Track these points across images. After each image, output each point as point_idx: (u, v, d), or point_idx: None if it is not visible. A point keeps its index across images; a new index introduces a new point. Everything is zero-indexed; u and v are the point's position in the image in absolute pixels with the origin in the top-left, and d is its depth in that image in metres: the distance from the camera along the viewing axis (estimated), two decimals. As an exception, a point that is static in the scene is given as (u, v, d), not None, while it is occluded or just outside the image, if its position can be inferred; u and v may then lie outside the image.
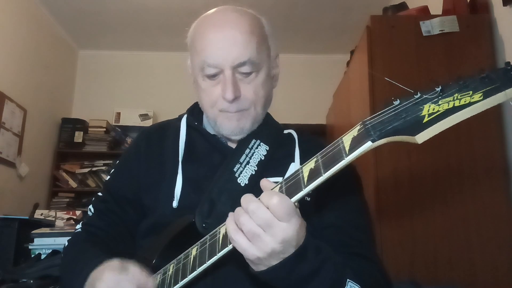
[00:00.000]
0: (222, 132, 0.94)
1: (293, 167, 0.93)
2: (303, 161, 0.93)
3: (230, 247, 0.70)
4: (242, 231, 0.66)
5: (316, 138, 1.05)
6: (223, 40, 0.87)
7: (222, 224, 0.74)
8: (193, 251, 0.77)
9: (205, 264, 0.72)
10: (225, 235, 0.71)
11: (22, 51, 3.63)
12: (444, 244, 1.77)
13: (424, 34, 1.97)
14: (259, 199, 0.67)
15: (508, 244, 1.75)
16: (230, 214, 0.70)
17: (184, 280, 0.76)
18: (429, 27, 1.97)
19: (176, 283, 0.77)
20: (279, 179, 0.92)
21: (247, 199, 0.67)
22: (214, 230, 0.75)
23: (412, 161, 1.84)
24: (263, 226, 0.64)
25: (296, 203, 0.66)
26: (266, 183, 0.72)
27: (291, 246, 0.67)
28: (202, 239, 0.76)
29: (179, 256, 0.80)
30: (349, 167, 0.98)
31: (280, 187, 0.67)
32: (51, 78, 4.15)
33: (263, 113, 0.96)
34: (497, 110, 1.88)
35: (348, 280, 0.74)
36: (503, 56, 1.94)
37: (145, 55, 4.64)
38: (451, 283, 1.70)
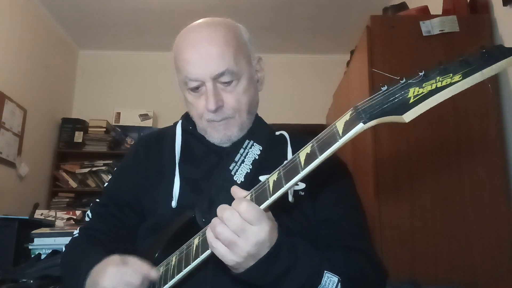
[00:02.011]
0: (212, 141, 0.99)
1: None
2: None
3: None
4: (219, 239, 0.71)
5: (307, 138, 1.07)
6: (200, 58, 0.92)
7: None
8: (195, 241, 0.80)
9: (208, 250, 0.75)
10: None
11: (22, 51, 3.63)
12: (444, 244, 1.77)
13: (424, 34, 1.97)
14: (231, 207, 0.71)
15: (508, 244, 1.75)
16: (209, 225, 0.74)
17: (188, 267, 0.78)
18: (429, 27, 1.97)
19: (179, 271, 0.79)
20: None
21: (221, 208, 0.72)
22: None
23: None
24: (237, 231, 0.70)
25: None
26: (236, 189, 0.76)
27: (265, 247, 0.72)
28: (204, 229, 0.79)
29: (182, 247, 0.83)
30: (341, 165, 1.03)
31: (279, 172, 0.71)
32: (51, 78, 4.15)
33: (250, 117, 1.00)
34: (496, 108, 1.88)
35: (325, 271, 0.78)
36: (503, 56, 1.93)
37: (145, 55, 4.64)
38: (451, 283, 1.70)
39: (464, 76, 0.56)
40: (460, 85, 0.56)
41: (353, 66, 2.45)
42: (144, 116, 4.40)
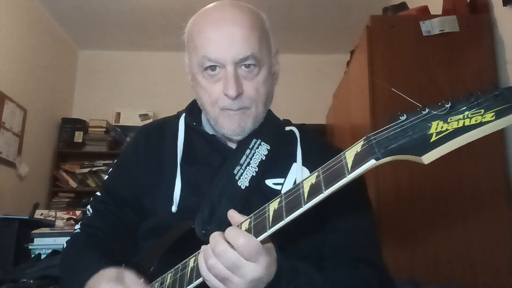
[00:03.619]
0: (223, 132, 0.91)
1: (295, 167, 0.92)
2: (305, 161, 0.93)
3: None
4: (211, 274, 0.66)
5: (318, 136, 1.04)
6: (223, 38, 0.85)
7: None
8: (191, 262, 0.75)
9: (202, 277, 0.71)
10: None
11: (22, 51, 3.63)
12: (444, 244, 1.77)
13: (424, 34, 1.97)
14: (225, 237, 0.66)
15: (508, 244, 1.75)
16: (202, 250, 0.69)
17: None
18: (429, 27, 1.97)
19: None
20: (281, 180, 0.91)
21: (214, 240, 0.67)
22: None
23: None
24: (231, 268, 0.64)
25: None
26: (233, 214, 0.71)
27: (262, 283, 0.67)
28: (200, 250, 0.75)
29: (177, 266, 0.79)
30: None
31: (280, 201, 0.65)
32: (51, 78, 4.15)
33: (264, 111, 0.93)
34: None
35: None
36: (503, 56, 1.93)
37: (145, 55, 4.64)
38: (451, 283, 1.70)
39: (498, 115, 0.47)
40: (493, 126, 0.47)
41: (353, 66, 2.45)
42: (144, 116, 4.40)
